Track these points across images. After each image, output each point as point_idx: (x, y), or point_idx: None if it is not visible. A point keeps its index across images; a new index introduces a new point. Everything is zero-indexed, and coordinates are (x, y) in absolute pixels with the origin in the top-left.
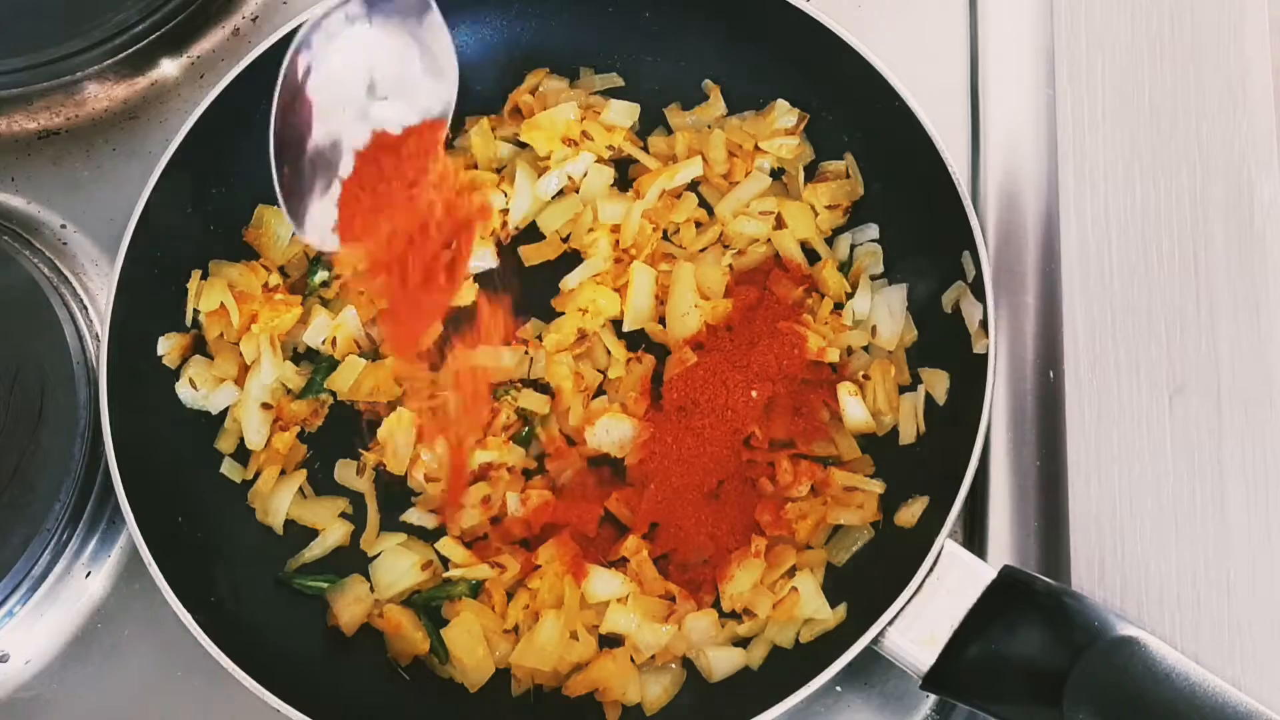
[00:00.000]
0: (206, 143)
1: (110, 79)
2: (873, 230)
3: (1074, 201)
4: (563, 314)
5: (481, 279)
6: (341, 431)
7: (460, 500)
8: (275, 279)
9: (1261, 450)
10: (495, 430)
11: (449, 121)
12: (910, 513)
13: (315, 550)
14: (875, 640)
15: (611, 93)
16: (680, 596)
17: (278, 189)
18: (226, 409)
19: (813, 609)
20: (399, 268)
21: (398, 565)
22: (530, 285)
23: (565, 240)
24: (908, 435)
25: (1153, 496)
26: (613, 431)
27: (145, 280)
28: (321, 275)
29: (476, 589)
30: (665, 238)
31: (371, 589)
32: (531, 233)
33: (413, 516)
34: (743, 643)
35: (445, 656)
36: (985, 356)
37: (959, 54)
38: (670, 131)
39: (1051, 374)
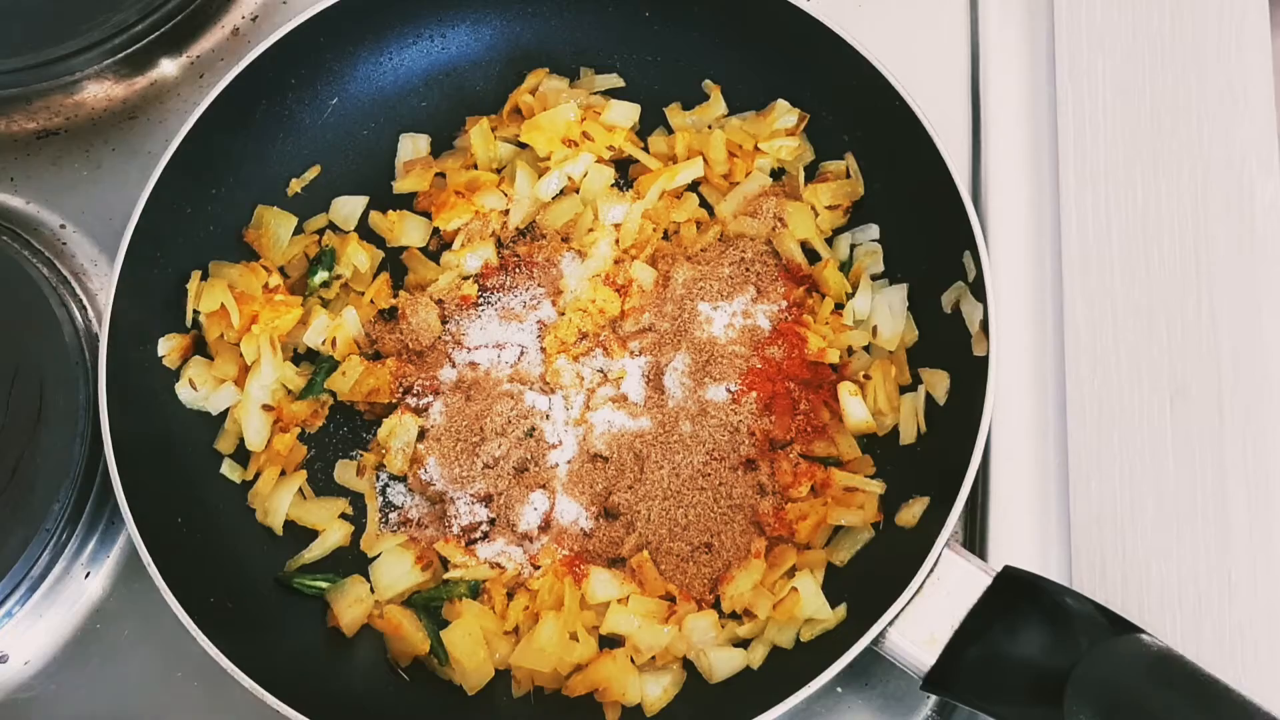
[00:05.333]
0: (206, 142)
1: (109, 79)
2: (873, 230)
3: (1074, 201)
4: (563, 314)
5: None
6: (341, 431)
7: None
8: (275, 279)
9: (1261, 450)
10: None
11: None
12: (911, 513)
13: (315, 550)
14: (876, 641)
15: (611, 93)
16: (680, 597)
17: None
18: (226, 409)
19: (813, 609)
20: None
21: (398, 566)
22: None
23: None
24: (908, 435)
25: (1153, 496)
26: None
27: (145, 280)
28: (321, 275)
29: (476, 589)
30: (665, 237)
31: (371, 590)
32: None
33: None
34: (743, 643)
35: (445, 658)
36: (985, 357)
37: (959, 54)
38: (670, 131)
39: (1052, 374)
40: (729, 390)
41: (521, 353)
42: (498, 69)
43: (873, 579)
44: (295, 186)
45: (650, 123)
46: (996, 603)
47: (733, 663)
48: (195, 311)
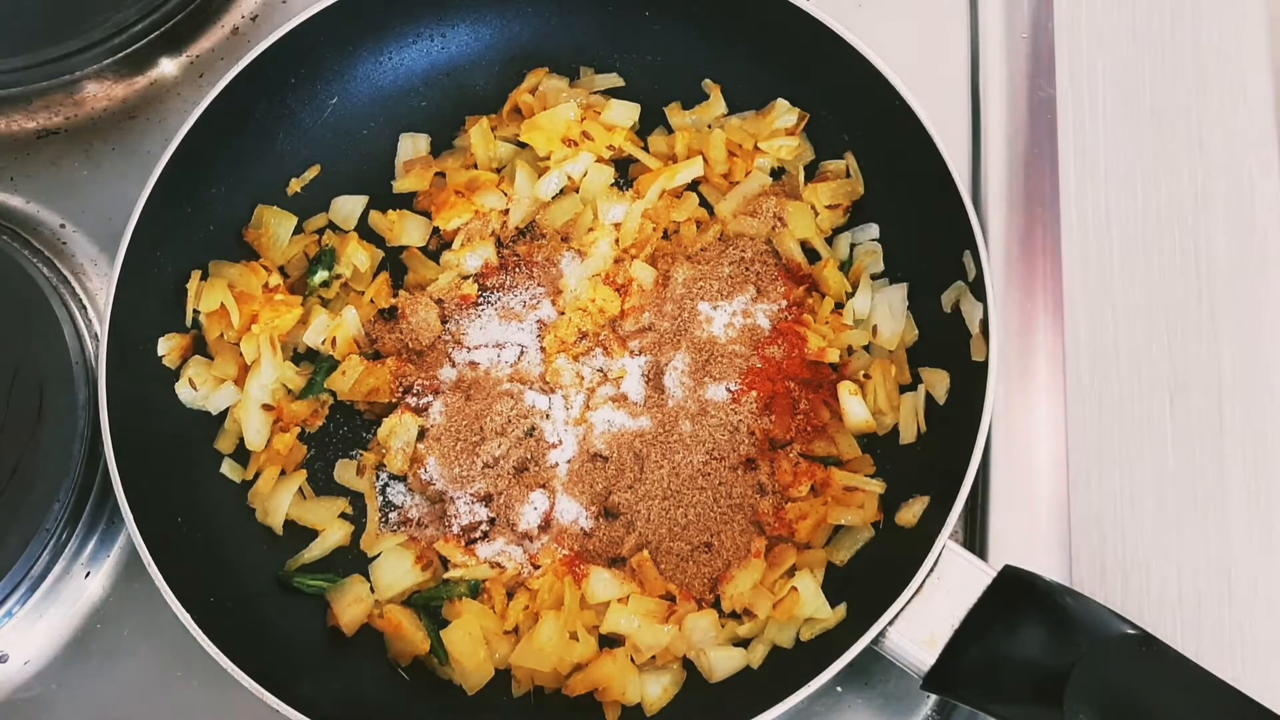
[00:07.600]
0: (206, 142)
1: (109, 78)
2: (873, 230)
3: (1074, 201)
4: (563, 314)
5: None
6: (341, 431)
7: None
8: (275, 279)
9: (1261, 450)
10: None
11: None
12: (911, 513)
13: (315, 550)
14: (876, 640)
15: (611, 93)
16: (680, 596)
17: None
18: (226, 409)
19: (813, 609)
20: None
21: (398, 565)
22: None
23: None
24: (908, 435)
25: (1153, 496)
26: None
27: (145, 280)
28: (321, 275)
29: (476, 589)
30: (665, 237)
31: (371, 589)
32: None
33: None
34: (743, 643)
35: (445, 658)
36: (985, 357)
37: (959, 54)
38: (670, 131)
39: (1052, 374)
40: (729, 390)
41: (521, 352)
42: (498, 69)
43: (873, 579)
44: (295, 186)
45: (650, 122)
46: (996, 602)
47: (733, 662)
48: (195, 311)
